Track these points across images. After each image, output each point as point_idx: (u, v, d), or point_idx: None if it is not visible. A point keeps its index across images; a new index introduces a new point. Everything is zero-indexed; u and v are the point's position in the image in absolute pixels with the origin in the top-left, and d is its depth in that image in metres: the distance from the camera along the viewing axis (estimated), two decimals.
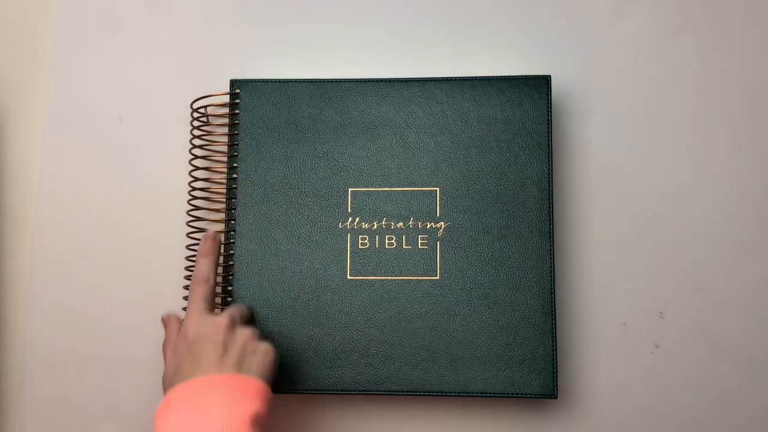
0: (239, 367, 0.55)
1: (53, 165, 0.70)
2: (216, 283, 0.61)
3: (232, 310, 0.60)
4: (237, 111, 0.67)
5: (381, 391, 0.63)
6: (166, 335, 0.60)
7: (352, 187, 0.66)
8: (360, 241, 0.65)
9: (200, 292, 0.60)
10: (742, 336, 0.66)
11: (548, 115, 0.65)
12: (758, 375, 0.66)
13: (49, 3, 0.72)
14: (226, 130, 0.68)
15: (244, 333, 0.57)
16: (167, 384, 0.56)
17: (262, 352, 0.57)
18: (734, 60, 0.69)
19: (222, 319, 0.58)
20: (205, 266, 0.61)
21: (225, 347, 0.56)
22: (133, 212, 0.69)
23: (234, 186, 0.66)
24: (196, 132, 0.68)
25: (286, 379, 0.61)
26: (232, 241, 0.65)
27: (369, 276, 0.64)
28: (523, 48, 0.70)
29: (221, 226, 0.66)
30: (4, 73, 0.71)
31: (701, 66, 0.69)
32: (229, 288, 0.65)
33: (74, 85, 0.70)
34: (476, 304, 0.63)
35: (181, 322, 0.60)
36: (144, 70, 0.71)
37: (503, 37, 0.70)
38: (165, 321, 0.61)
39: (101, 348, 0.67)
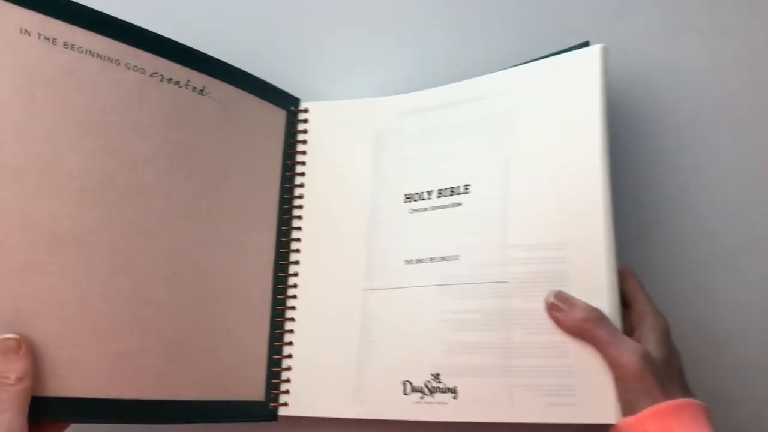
0: None
1: None
2: None
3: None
4: (305, 129, 0.65)
5: None
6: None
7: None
8: None
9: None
10: (742, 336, 0.62)
11: None
12: (758, 375, 0.62)
13: None
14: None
15: None
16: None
17: None
18: (734, 60, 0.66)
19: None
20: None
21: None
22: None
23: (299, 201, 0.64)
24: None
25: None
26: (294, 273, 0.63)
27: None
28: (522, 50, 0.67)
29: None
30: None
31: (700, 66, 0.66)
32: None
33: None
34: None
35: None
36: None
37: (501, 37, 0.69)
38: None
39: None
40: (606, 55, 0.56)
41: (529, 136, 0.58)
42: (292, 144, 0.65)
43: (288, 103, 0.65)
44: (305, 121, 0.65)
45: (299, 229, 0.64)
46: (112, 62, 0.53)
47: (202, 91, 0.58)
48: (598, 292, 0.53)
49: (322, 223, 0.64)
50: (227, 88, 0.60)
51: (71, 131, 0.51)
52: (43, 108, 0.49)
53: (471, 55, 0.69)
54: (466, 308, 0.56)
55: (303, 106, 0.66)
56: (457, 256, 0.58)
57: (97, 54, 0.52)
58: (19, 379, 0.47)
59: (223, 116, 0.59)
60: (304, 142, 0.65)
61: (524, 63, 0.61)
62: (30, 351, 0.48)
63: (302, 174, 0.64)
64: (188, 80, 0.57)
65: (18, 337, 0.47)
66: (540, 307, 0.54)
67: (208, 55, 0.58)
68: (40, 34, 0.49)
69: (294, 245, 0.63)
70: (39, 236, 0.49)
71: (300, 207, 0.64)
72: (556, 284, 0.54)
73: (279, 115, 0.64)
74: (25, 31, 0.49)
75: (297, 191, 0.64)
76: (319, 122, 0.65)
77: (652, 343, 0.52)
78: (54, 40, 0.50)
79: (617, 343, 0.51)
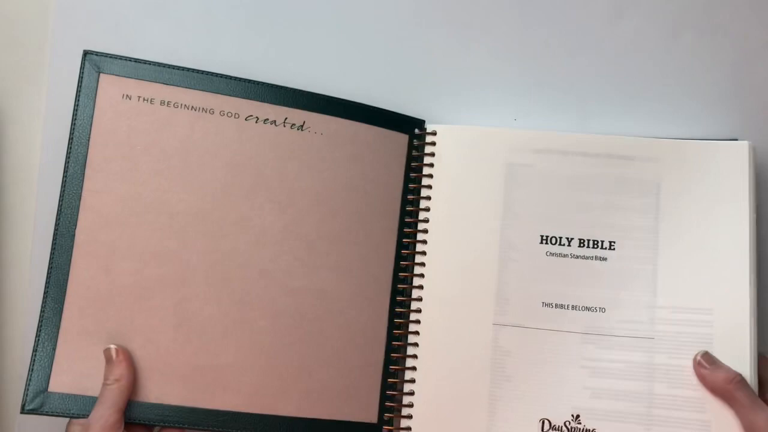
0: None
1: (53, 165, 0.66)
2: None
3: None
4: (432, 152, 0.65)
5: None
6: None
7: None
8: None
9: None
10: None
11: None
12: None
13: (48, 3, 0.70)
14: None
15: None
16: None
17: None
18: (734, 60, 0.68)
19: None
20: None
21: None
22: None
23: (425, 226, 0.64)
24: None
25: None
26: (419, 289, 0.63)
27: None
28: (522, 52, 0.69)
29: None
30: (4, 72, 0.70)
31: (700, 66, 0.68)
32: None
33: (74, 85, 0.63)
34: None
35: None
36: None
37: (501, 39, 0.69)
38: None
39: None
40: (753, 151, 0.62)
41: (677, 207, 0.62)
42: (415, 168, 0.65)
43: (409, 127, 0.65)
44: (433, 143, 0.65)
45: (423, 253, 0.63)
46: (206, 111, 0.60)
47: (301, 126, 0.62)
48: (740, 359, 0.58)
49: (447, 249, 0.63)
50: (331, 120, 0.62)
51: (170, 174, 0.59)
52: (144, 156, 0.59)
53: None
54: (611, 358, 0.60)
55: (431, 128, 0.65)
56: (604, 308, 0.61)
57: (192, 106, 0.60)
58: (116, 380, 0.56)
59: (326, 148, 0.62)
60: (431, 165, 0.65)
61: (670, 137, 0.64)
62: (127, 358, 0.57)
63: (428, 198, 0.64)
64: (286, 118, 0.61)
65: (116, 347, 0.57)
66: (684, 364, 0.59)
67: (307, 92, 0.62)
68: (139, 96, 0.59)
69: (417, 269, 0.63)
70: (145, 265, 0.58)
71: (425, 231, 0.64)
72: (701, 345, 0.59)
73: (398, 140, 0.64)
74: (127, 96, 0.59)
75: (422, 215, 0.64)
76: (448, 146, 0.65)
77: None
78: (152, 100, 0.59)
79: (755, 407, 0.56)
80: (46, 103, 0.68)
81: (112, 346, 0.57)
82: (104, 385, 0.56)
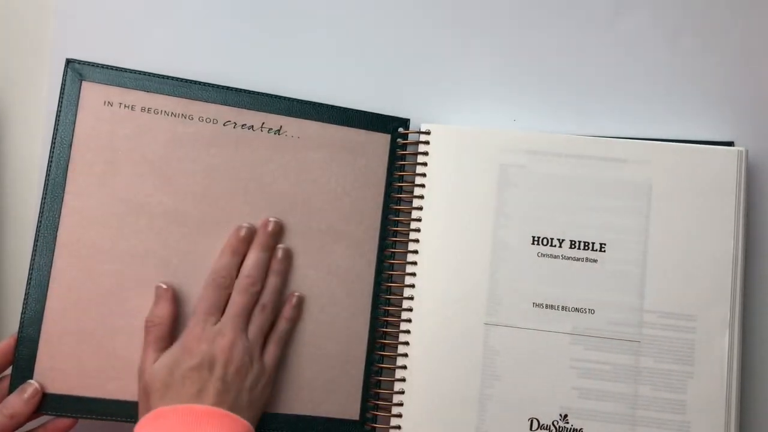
0: (235, 405, 0.55)
1: None
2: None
3: (240, 331, 0.58)
4: (426, 151, 0.66)
5: None
6: (157, 313, 0.59)
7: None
8: None
9: (214, 298, 0.59)
10: None
11: None
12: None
13: (48, 4, 0.71)
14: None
15: (251, 369, 0.57)
16: (155, 391, 0.55)
17: (260, 395, 0.58)
18: (733, 62, 0.68)
19: (231, 344, 0.57)
20: (227, 267, 0.60)
21: (226, 383, 0.56)
22: None
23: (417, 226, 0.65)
24: None
25: None
26: (411, 288, 0.64)
27: None
28: (522, 53, 0.70)
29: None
30: (4, 72, 0.71)
31: (699, 68, 0.69)
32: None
33: None
34: None
35: (176, 302, 0.59)
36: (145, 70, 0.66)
37: (501, 40, 0.70)
38: (161, 293, 0.60)
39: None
40: (745, 158, 0.63)
41: (667, 211, 0.63)
42: (406, 167, 0.66)
43: (391, 126, 0.66)
44: (426, 143, 0.66)
45: (415, 252, 0.64)
46: (185, 118, 0.62)
47: (278, 131, 0.63)
48: (719, 368, 0.61)
49: (440, 248, 0.64)
50: (308, 123, 0.64)
51: (150, 177, 0.61)
52: (125, 160, 0.61)
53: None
54: (599, 359, 0.62)
55: (424, 128, 0.66)
56: (593, 310, 0.62)
57: (171, 113, 0.62)
58: (11, 416, 0.56)
59: (302, 151, 0.63)
60: (424, 164, 0.66)
61: (664, 140, 0.65)
62: (36, 402, 0.57)
63: (421, 197, 0.65)
64: (263, 123, 0.63)
65: (36, 385, 0.57)
66: (668, 368, 0.61)
67: (284, 97, 0.64)
68: (120, 103, 0.61)
69: (409, 268, 0.64)
70: (126, 266, 0.60)
71: (417, 230, 0.65)
72: (683, 351, 0.61)
73: (378, 140, 0.66)
74: (108, 102, 0.61)
75: (414, 214, 0.65)
76: (441, 145, 0.65)
77: None
78: (133, 107, 0.61)
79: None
80: (46, 103, 0.69)
81: (33, 381, 0.57)
82: (1, 411, 0.56)
